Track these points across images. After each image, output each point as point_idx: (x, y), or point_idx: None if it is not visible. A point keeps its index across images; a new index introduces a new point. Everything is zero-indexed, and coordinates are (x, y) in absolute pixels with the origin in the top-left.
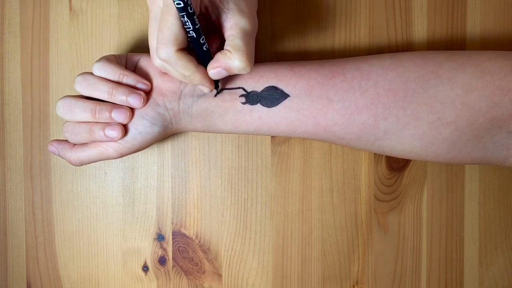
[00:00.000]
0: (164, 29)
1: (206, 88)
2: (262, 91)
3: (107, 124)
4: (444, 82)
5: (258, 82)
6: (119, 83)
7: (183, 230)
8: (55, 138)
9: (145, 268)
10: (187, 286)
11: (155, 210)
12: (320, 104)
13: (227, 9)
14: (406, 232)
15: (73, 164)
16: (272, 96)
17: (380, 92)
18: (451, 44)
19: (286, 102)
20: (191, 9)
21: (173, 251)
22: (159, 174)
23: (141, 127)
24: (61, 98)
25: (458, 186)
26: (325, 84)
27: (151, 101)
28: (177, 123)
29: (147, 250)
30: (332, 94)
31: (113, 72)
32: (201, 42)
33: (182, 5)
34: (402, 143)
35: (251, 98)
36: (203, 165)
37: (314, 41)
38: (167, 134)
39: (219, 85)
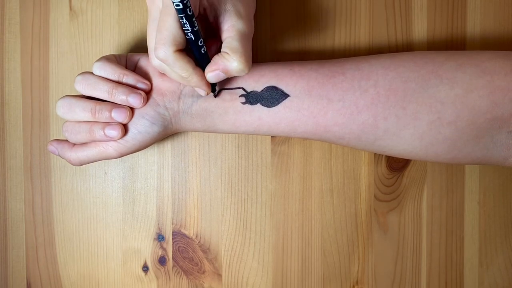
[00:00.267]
0: (163, 29)
1: (202, 91)
2: (262, 91)
3: (107, 123)
4: (444, 82)
5: (258, 82)
6: (119, 83)
7: (183, 230)
8: (55, 138)
9: (145, 268)
10: (187, 286)
11: (155, 210)
12: (320, 104)
13: (225, 11)
14: (406, 232)
15: (73, 164)
16: (272, 96)
17: (380, 92)
18: (451, 44)
19: (286, 102)
20: (190, 11)
21: (173, 251)
22: (159, 174)
23: (141, 127)
24: (61, 98)
25: (458, 186)
26: (325, 84)
27: (151, 101)
28: (177, 123)
29: (147, 250)
30: (332, 94)
31: (113, 71)
32: (199, 44)
33: (181, 6)
34: (402, 143)
35: (251, 98)
36: (203, 165)
37: (314, 41)
38: (167, 134)
39: (216, 88)
